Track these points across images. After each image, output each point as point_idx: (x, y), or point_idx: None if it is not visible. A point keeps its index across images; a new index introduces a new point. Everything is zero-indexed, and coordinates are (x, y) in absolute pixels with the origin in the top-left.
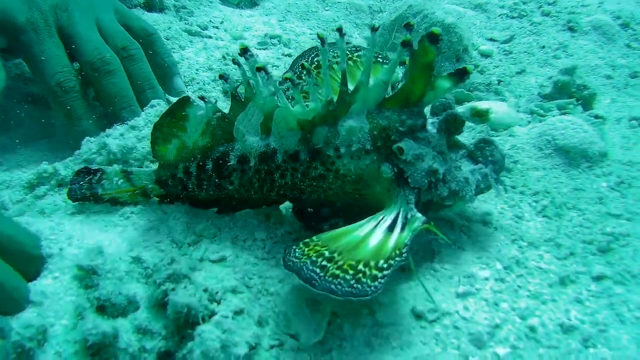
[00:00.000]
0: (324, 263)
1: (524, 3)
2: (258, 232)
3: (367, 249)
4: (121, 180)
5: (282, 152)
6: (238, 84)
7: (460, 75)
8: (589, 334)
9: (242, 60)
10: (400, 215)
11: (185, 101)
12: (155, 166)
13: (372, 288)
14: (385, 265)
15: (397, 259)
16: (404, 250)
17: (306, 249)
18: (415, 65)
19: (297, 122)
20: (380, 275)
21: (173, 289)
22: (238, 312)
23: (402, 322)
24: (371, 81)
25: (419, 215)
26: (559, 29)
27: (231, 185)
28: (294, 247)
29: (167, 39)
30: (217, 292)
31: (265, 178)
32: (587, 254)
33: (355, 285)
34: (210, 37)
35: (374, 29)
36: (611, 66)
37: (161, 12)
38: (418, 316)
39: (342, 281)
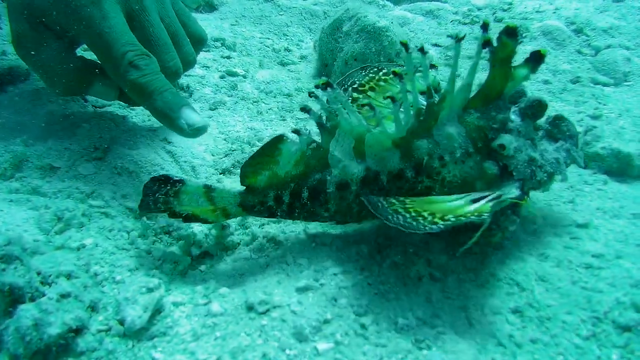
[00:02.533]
0: (393, 201)
1: (478, 9)
2: (127, 222)
3: (440, 207)
4: (202, 199)
5: (385, 173)
6: (321, 113)
7: (536, 59)
8: (425, 334)
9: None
10: (490, 196)
11: (279, 139)
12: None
13: (427, 228)
14: (452, 219)
15: (472, 217)
16: (485, 215)
17: (401, 207)
18: (496, 60)
19: (392, 142)
20: (441, 222)
21: (4, 269)
22: (64, 295)
23: (234, 313)
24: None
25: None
26: None
27: (327, 213)
28: (393, 202)
29: None
30: (50, 275)
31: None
32: None
33: (410, 221)
34: None
35: (458, 39)
36: (553, 71)
37: None
38: (250, 308)
39: (400, 216)
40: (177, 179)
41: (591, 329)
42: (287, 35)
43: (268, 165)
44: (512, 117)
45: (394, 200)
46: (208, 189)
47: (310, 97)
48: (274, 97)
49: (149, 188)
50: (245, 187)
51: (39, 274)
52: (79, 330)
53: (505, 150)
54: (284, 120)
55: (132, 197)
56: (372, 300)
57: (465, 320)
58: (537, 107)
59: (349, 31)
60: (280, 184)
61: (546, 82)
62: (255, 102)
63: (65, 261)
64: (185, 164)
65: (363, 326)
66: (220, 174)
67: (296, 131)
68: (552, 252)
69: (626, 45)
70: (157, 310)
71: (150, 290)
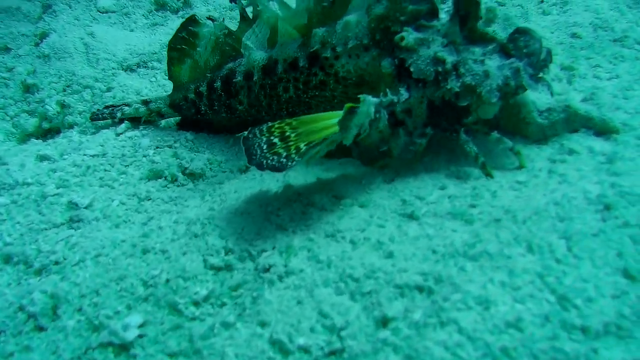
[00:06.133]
0: (275, 141)
1: None
2: (10, 92)
3: (321, 135)
4: (139, 106)
5: (281, 61)
6: (247, 4)
7: None
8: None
9: None
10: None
11: (193, 19)
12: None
13: (291, 163)
14: (304, 147)
15: (324, 145)
16: (334, 137)
17: (276, 125)
18: None
19: (297, 31)
20: (296, 156)
21: None
22: None
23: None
24: None
25: (369, 99)
26: None
27: (241, 106)
28: (270, 123)
29: None
30: None
31: (270, 94)
32: None
33: (281, 160)
34: None
35: None
36: None
37: None
38: (42, 159)
39: (275, 157)
40: (120, 103)
41: None
42: None
43: (189, 51)
44: (442, 16)
45: (276, 141)
46: (145, 101)
47: None
48: None
49: (99, 109)
50: (172, 88)
51: None
52: None
53: (404, 41)
54: None
55: (31, 76)
56: None
57: None
58: (466, 3)
59: None
60: (200, 76)
61: None
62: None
63: None
64: (92, 56)
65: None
66: (123, 69)
67: (210, 18)
68: None
69: None
70: None
71: None
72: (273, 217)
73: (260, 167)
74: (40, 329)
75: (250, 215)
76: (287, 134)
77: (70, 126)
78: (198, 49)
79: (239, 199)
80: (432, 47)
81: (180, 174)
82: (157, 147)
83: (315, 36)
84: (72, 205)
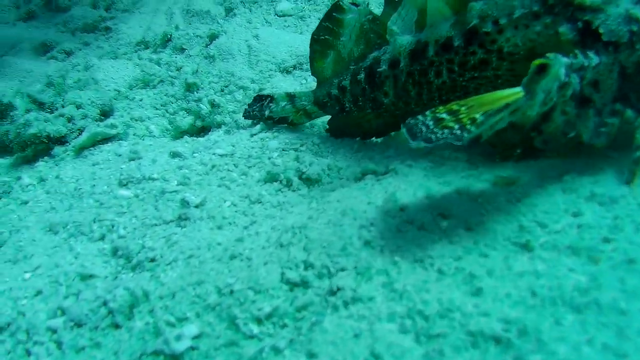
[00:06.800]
0: (443, 116)
1: None
2: (174, 89)
3: (499, 104)
4: (285, 103)
5: (432, 42)
6: None
7: None
8: None
9: None
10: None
11: (337, 5)
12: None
13: (468, 134)
14: (480, 117)
15: (502, 113)
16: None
17: (440, 107)
18: None
19: (450, 7)
20: (473, 127)
21: None
22: None
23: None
24: None
25: (561, 58)
26: None
27: (386, 98)
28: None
29: None
30: None
31: (420, 81)
32: None
33: (454, 132)
34: None
35: None
36: None
37: None
38: (173, 155)
39: (445, 130)
40: (267, 94)
41: None
42: None
43: (333, 42)
44: None
45: (444, 116)
46: (289, 95)
47: None
48: None
49: (251, 103)
50: (316, 84)
51: None
52: None
53: (589, 0)
54: None
55: (194, 75)
56: None
57: None
58: None
59: None
60: (343, 69)
61: None
62: None
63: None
64: (253, 58)
65: None
66: (280, 71)
67: (354, 3)
68: None
69: None
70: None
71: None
72: (364, 231)
73: (429, 141)
74: (116, 326)
75: (342, 227)
76: (456, 109)
77: (219, 125)
78: (342, 38)
79: (338, 209)
80: (622, 4)
81: (296, 179)
82: (283, 150)
83: (472, 10)
84: (184, 203)
